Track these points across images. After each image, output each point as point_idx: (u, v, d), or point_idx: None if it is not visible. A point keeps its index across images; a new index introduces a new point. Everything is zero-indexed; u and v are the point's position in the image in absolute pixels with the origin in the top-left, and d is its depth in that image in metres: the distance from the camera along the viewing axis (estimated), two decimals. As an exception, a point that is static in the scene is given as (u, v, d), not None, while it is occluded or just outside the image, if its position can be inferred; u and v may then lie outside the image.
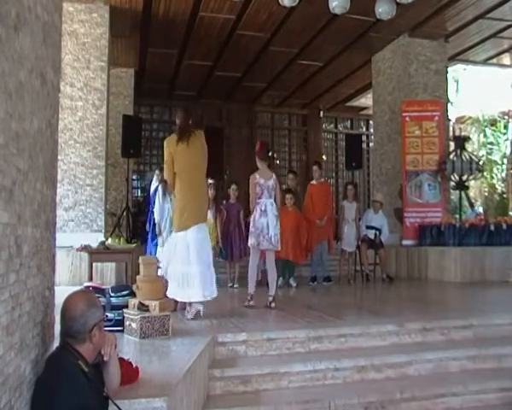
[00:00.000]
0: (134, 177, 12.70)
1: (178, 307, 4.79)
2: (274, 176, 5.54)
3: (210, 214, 6.87)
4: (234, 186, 7.74)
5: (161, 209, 6.29)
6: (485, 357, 4.14)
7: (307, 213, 7.67)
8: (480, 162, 10.02)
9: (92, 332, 2.18)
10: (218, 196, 7.80)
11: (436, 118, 9.43)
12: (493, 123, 14.39)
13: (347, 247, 8.12)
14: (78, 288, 4.35)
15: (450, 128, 11.43)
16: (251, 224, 5.44)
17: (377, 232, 8.26)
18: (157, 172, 7.27)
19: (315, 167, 8.12)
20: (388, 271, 8.39)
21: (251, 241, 5.40)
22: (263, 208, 5.36)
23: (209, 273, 4.58)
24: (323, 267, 7.75)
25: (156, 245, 6.33)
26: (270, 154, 5.82)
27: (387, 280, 8.09)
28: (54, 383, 2.05)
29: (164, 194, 6.31)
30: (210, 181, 7.00)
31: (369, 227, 8.31)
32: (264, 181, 5.43)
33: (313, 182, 8.05)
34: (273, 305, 5.26)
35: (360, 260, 8.37)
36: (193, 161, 4.63)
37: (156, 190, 6.60)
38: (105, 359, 2.27)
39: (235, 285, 7.32)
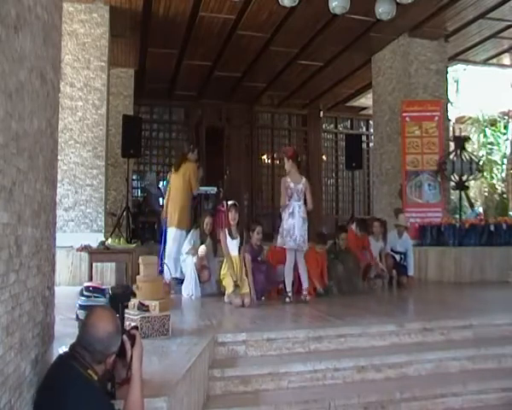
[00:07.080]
0: (134, 177, 12.69)
1: None
2: (304, 180, 5.81)
3: (235, 245, 5.78)
4: (259, 229, 6.12)
5: None
6: (485, 357, 4.14)
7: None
8: (480, 162, 10.01)
9: (110, 358, 2.17)
10: (242, 221, 6.09)
11: (436, 118, 9.43)
12: (493, 123, 14.36)
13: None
14: (82, 286, 4.33)
15: (450, 128, 11.42)
16: (281, 224, 5.74)
17: (402, 256, 7.52)
18: None
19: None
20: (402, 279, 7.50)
21: (278, 241, 5.76)
22: (291, 210, 5.66)
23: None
24: None
25: None
26: (299, 160, 6.09)
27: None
28: (65, 392, 2.00)
29: None
30: (230, 202, 6.02)
31: (392, 251, 7.52)
32: (294, 185, 5.72)
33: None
34: (308, 298, 5.65)
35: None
36: (175, 184, 6.82)
37: None
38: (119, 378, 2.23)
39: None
